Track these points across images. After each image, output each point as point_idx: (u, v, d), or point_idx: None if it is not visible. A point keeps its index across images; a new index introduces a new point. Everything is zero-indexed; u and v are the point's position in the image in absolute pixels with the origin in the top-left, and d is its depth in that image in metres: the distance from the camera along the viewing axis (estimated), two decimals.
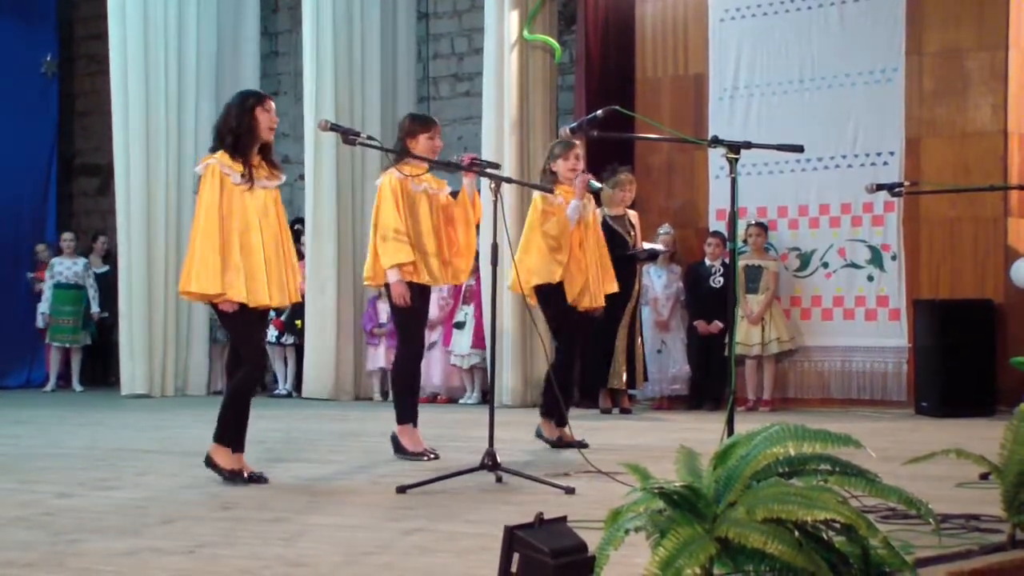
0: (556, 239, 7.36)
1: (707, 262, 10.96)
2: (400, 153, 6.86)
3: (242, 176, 5.83)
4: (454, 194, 7.13)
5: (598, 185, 8.08)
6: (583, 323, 7.66)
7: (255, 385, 6.08)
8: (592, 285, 7.51)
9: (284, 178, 6.16)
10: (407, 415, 6.97)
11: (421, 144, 6.89)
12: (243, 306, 5.82)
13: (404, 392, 7.05)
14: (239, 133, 5.87)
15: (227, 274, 5.76)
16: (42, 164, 15.46)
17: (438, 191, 7.04)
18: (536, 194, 7.50)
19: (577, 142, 7.54)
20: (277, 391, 13.13)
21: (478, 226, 7.35)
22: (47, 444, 8.22)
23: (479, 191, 7.26)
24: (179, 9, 13.29)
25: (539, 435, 7.50)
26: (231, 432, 5.92)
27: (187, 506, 5.20)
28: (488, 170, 6.39)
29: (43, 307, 14.17)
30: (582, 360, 8.20)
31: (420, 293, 6.95)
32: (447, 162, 6.83)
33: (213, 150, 5.94)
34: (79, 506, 5.25)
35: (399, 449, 6.96)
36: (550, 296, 7.42)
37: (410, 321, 7.01)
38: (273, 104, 6.01)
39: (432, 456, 6.87)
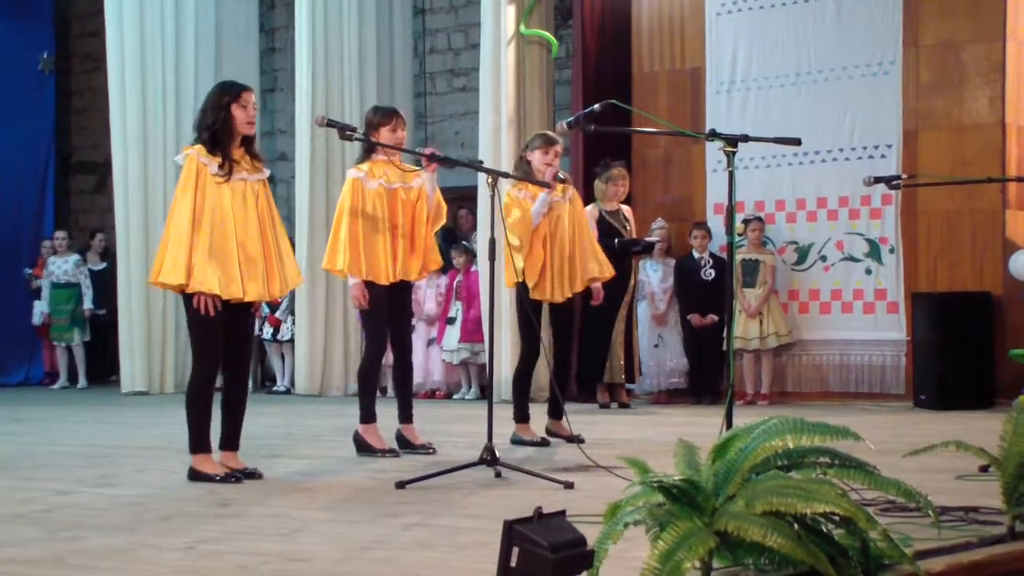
0: (519, 236, 7.24)
1: (695, 254, 10.96)
2: (371, 144, 6.83)
3: (220, 167, 5.80)
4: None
5: (563, 175, 8.02)
6: (562, 317, 7.60)
7: (211, 385, 5.92)
8: (557, 277, 7.39)
9: (268, 172, 6.10)
10: (371, 415, 6.94)
11: (383, 136, 6.88)
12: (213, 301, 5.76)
13: (368, 391, 7.00)
14: (215, 130, 5.84)
15: (198, 266, 5.69)
16: (39, 162, 15.46)
17: (401, 184, 6.95)
18: (509, 187, 7.43)
19: (559, 139, 7.50)
20: (275, 388, 13.12)
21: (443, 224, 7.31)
22: (46, 441, 8.22)
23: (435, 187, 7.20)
24: (176, 5, 13.26)
25: (517, 441, 7.36)
26: (204, 437, 5.87)
27: (186, 503, 5.20)
28: (453, 162, 6.38)
29: (43, 306, 14.23)
30: (576, 353, 8.11)
31: (381, 292, 6.87)
32: (410, 151, 6.88)
33: (192, 143, 5.92)
34: (78, 503, 5.25)
35: (363, 447, 6.89)
36: (518, 294, 7.33)
37: (372, 321, 6.99)
38: (252, 97, 5.96)
39: (396, 453, 6.84)
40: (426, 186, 6.97)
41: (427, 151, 6.84)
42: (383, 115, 7.03)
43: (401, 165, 7.01)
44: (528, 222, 7.29)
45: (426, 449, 6.93)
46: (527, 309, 7.19)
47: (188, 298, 5.79)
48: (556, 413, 7.48)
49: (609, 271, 7.73)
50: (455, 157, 7.12)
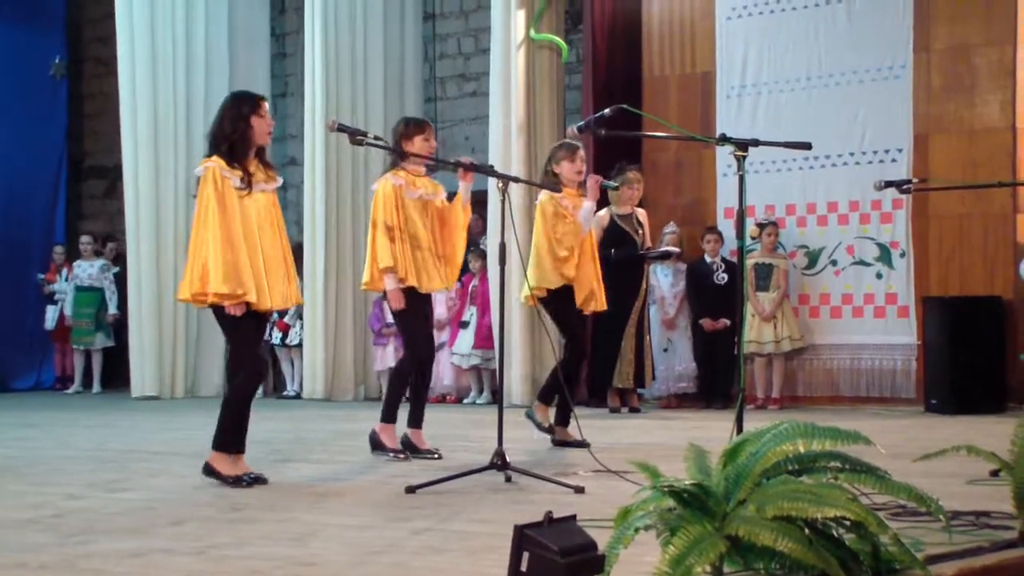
0: (569, 247, 7.35)
1: (707, 259, 10.95)
2: (403, 153, 6.86)
3: (241, 180, 5.81)
4: (451, 197, 7.13)
5: (613, 184, 8.08)
6: (585, 323, 7.68)
7: (254, 390, 6.03)
8: (597, 289, 7.53)
9: (281, 180, 6.13)
10: (392, 416, 6.96)
11: (417, 145, 6.93)
12: (247, 309, 5.81)
13: (397, 394, 7.04)
14: (234, 140, 5.82)
15: (242, 276, 5.74)
16: (51, 166, 15.49)
17: (434, 196, 7.04)
18: (543, 197, 7.45)
19: (580, 144, 7.54)
20: (285, 392, 13.13)
21: (469, 230, 7.40)
22: (57, 446, 8.23)
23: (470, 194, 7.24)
24: (187, 10, 13.29)
25: (530, 416, 7.53)
26: (230, 438, 5.89)
27: (197, 507, 5.21)
28: (489, 170, 6.42)
29: (57, 311, 14.31)
30: (588, 359, 8.22)
31: (419, 297, 6.93)
32: (449, 160, 6.88)
33: (209, 155, 5.86)
34: (89, 508, 5.26)
35: (377, 446, 6.93)
36: (561, 299, 7.39)
37: (412, 325, 6.99)
38: (267, 106, 5.98)
39: (407, 456, 6.85)
40: (462, 195, 7.00)
41: (466, 161, 6.82)
42: (416, 124, 7.11)
43: (425, 178, 7.07)
44: (579, 230, 7.42)
45: (432, 454, 6.94)
46: (569, 315, 7.37)
47: (221, 311, 5.81)
48: (563, 420, 7.50)
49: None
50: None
